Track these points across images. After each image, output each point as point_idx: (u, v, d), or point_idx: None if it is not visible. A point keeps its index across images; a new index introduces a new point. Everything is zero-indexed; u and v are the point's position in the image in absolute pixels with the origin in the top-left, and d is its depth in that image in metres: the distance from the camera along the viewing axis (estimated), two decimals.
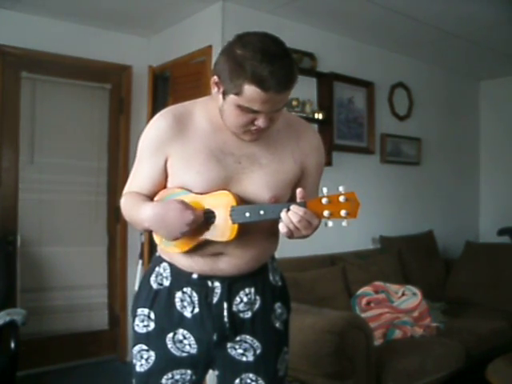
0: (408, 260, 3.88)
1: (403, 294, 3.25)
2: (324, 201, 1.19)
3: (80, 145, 3.66)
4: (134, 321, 1.47)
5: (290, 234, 1.23)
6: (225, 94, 1.25)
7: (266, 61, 1.17)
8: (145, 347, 1.43)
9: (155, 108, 3.80)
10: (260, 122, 1.25)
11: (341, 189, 1.20)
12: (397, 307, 3.16)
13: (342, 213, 1.18)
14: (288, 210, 1.21)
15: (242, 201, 1.30)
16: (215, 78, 1.27)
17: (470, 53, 4.20)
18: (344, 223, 1.20)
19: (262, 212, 1.24)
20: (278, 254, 1.57)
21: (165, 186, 1.39)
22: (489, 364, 2.51)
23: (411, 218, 4.32)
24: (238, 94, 1.21)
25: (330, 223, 1.21)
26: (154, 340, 1.42)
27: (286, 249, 1.84)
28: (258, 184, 1.33)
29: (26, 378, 3.13)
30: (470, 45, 3.98)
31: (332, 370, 2.38)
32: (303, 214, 1.19)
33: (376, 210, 4.03)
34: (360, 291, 3.24)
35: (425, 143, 4.48)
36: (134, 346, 1.46)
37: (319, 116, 3.53)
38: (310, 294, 2.98)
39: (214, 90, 1.29)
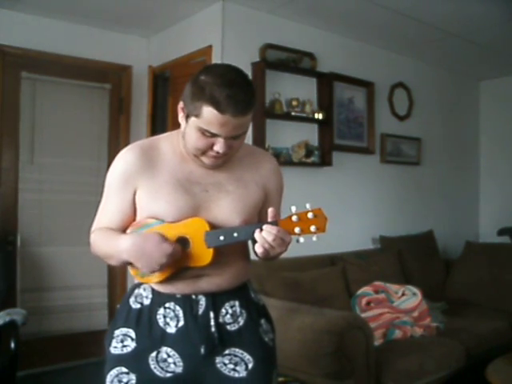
0: (408, 260, 3.87)
1: (403, 294, 3.25)
2: (294, 218, 1.26)
3: (80, 145, 3.66)
4: (110, 344, 1.39)
5: (266, 254, 1.26)
6: (187, 117, 1.30)
7: (225, 85, 1.22)
8: (124, 370, 1.34)
9: (155, 108, 3.80)
10: (218, 147, 1.27)
11: (308, 206, 1.27)
12: (397, 307, 3.16)
13: (312, 228, 1.26)
14: (261, 230, 1.25)
15: (213, 226, 1.32)
16: (181, 103, 1.32)
17: (470, 53, 4.20)
18: (314, 238, 1.28)
19: (235, 234, 1.28)
20: None
21: (133, 220, 1.39)
22: (489, 364, 2.51)
23: (411, 218, 4.32)
24: (197, 115, 1.25)
25: (302, 239, 1.28)
26: (135, 361, 1.34)
27: None
28: (227, 210, 1.36)
29: (26, 378, 3.12)
30: (470, 45, 3.98)
31: (332, 370, 2.38)
32: (277, 232, 1.24)
33: (376, 210, 4.04)
34: (360, 291, 3.24)
35: (425, 143, 4.48)
36: (110, 370, 1.36)
37: (319, 116, 3.53)
38: (310, 293, 2.98)
39: (180, 115, 1.34)
